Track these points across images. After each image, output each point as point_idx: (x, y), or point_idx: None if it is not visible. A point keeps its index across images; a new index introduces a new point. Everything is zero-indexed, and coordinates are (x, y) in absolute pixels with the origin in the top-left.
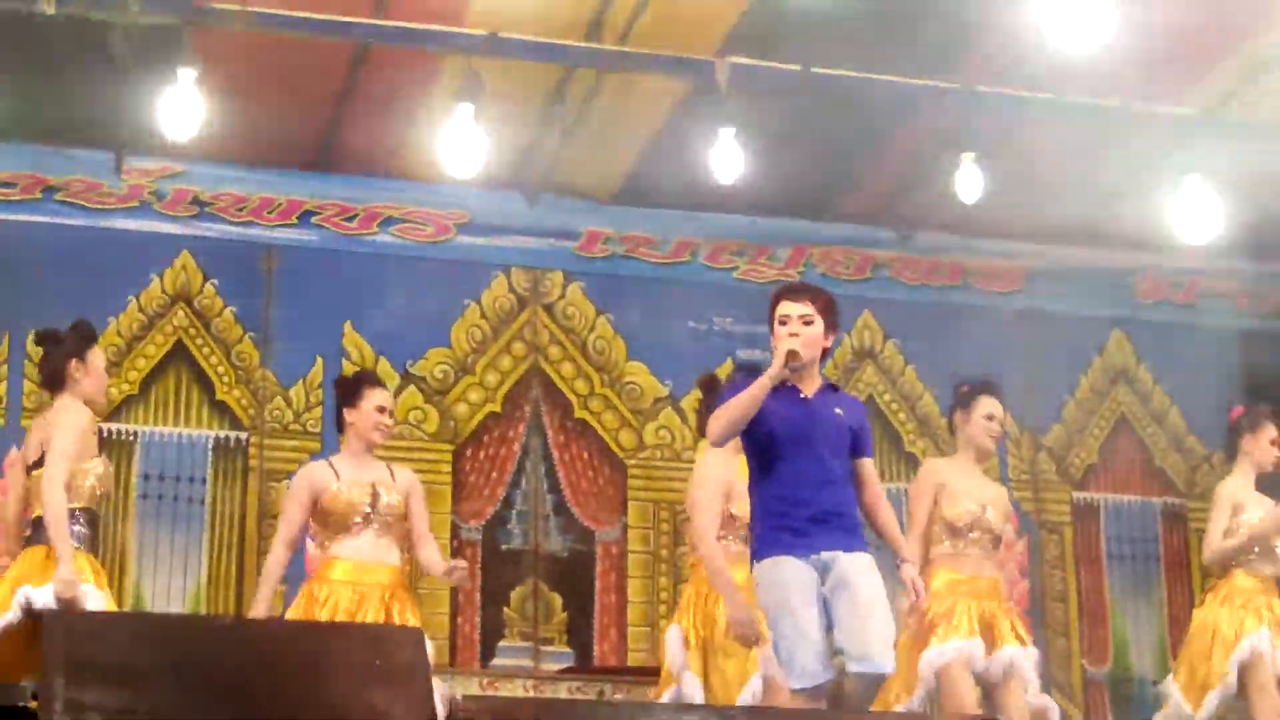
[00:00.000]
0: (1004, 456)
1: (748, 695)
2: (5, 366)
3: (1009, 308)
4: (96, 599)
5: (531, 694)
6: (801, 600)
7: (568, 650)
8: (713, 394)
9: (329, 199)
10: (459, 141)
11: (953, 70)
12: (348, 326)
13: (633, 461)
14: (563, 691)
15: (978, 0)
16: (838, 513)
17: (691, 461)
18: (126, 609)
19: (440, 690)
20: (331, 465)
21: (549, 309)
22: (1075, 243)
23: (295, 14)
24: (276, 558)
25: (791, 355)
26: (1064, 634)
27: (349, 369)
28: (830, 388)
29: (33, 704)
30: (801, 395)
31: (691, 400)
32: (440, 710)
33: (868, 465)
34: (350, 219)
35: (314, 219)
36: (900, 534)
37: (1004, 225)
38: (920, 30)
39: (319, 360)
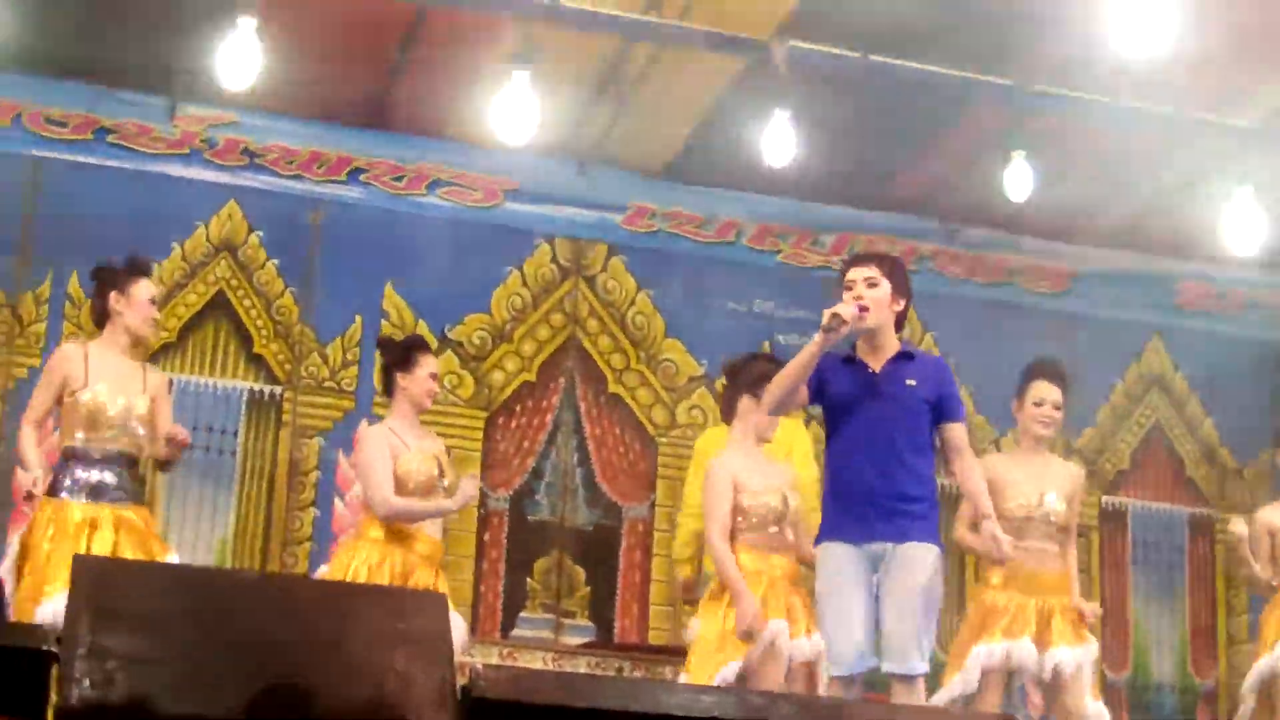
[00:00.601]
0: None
1: (719, 680)
2: (46, 306)
3: (1050, 309)
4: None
5: (551, 667)
6: (847, 589)
7: (589, 625)
8: (736, 379)
9: (379, 157)
10: (512, 107)
11: (1010, 67)
12: (389, 287)
13: (664, 439)
14: (582, 666)
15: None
16: (900, 498)
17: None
18: None
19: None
20: (395, 432)
21: (590, 281)
22: (1121, 246)
23: None
24: (394, 508)
25: (833, 317)
26: None
27: (388, 329)
28: (905, 356)
29: (55, 647)
30: (869, 369)
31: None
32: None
33: (954, 431)
34: (399, 179)
35: (363, 176)
36: (982, 495)
37: (1051, 226)
38: (980, 25)
39: (358, 319)
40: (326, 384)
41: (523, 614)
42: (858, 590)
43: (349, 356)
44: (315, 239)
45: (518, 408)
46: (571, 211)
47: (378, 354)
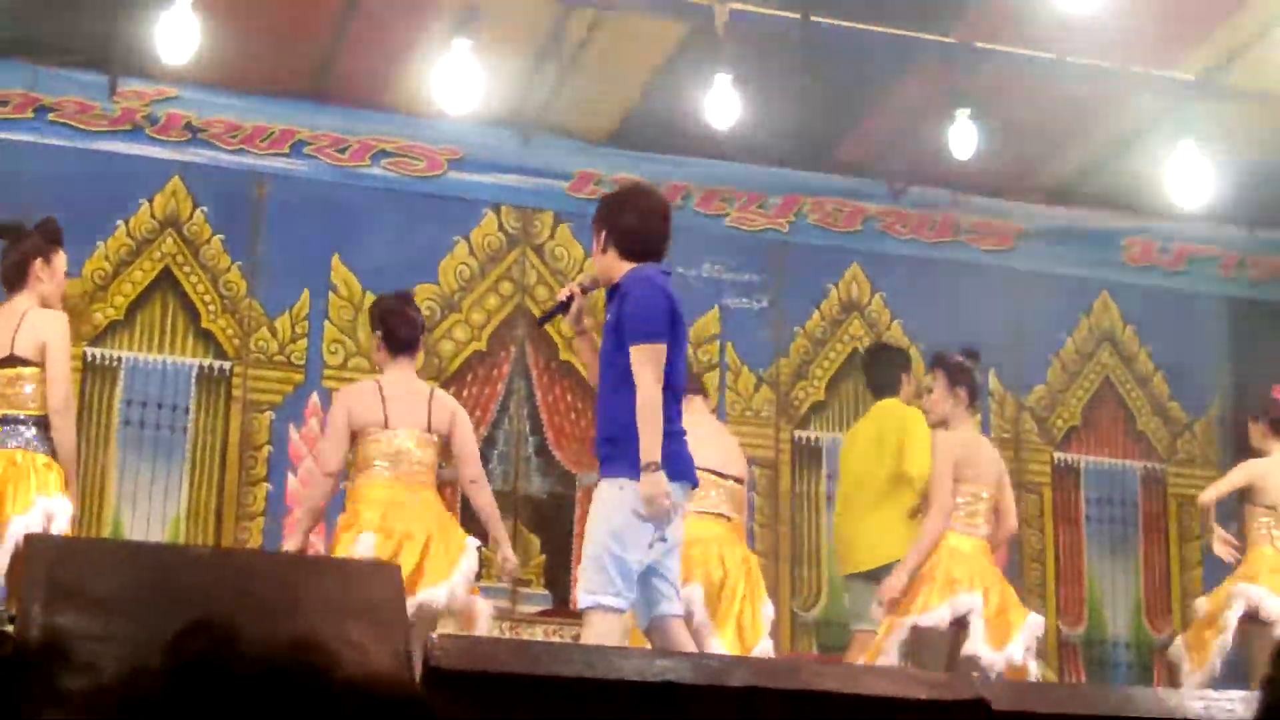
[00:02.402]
0: (986, 415)
1: None
2: None
3: (998, 266)
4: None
5: (508, 635)
6: None
7: (545, 593)
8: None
9: (322, 129)
10: (455, 77)
11: (952, 25)
12: (336, 259)
13: None
14: (539, 634)
15: None
16: (600, 442)
17: None
18: (105, 536)
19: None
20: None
21: (538, 249)
22: (1066, 203)
23: None
24: None
25: (551, 312)
26: (1040, 594)
27: (336, 302)
28: (613, 290)
29: (9, 627)
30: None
31: None
32: (415, 647)
33: (633, 356)
34: (343, 150)
35: (306, 149)
36: (646, 435)
37: (997, 183)
38: None
39: (306, 292)
40: (276, 358)
41: (479, 584)
42: None
43: (298, 330)
44: (260, 213)
45: (469, 377)
46: (517, 179)
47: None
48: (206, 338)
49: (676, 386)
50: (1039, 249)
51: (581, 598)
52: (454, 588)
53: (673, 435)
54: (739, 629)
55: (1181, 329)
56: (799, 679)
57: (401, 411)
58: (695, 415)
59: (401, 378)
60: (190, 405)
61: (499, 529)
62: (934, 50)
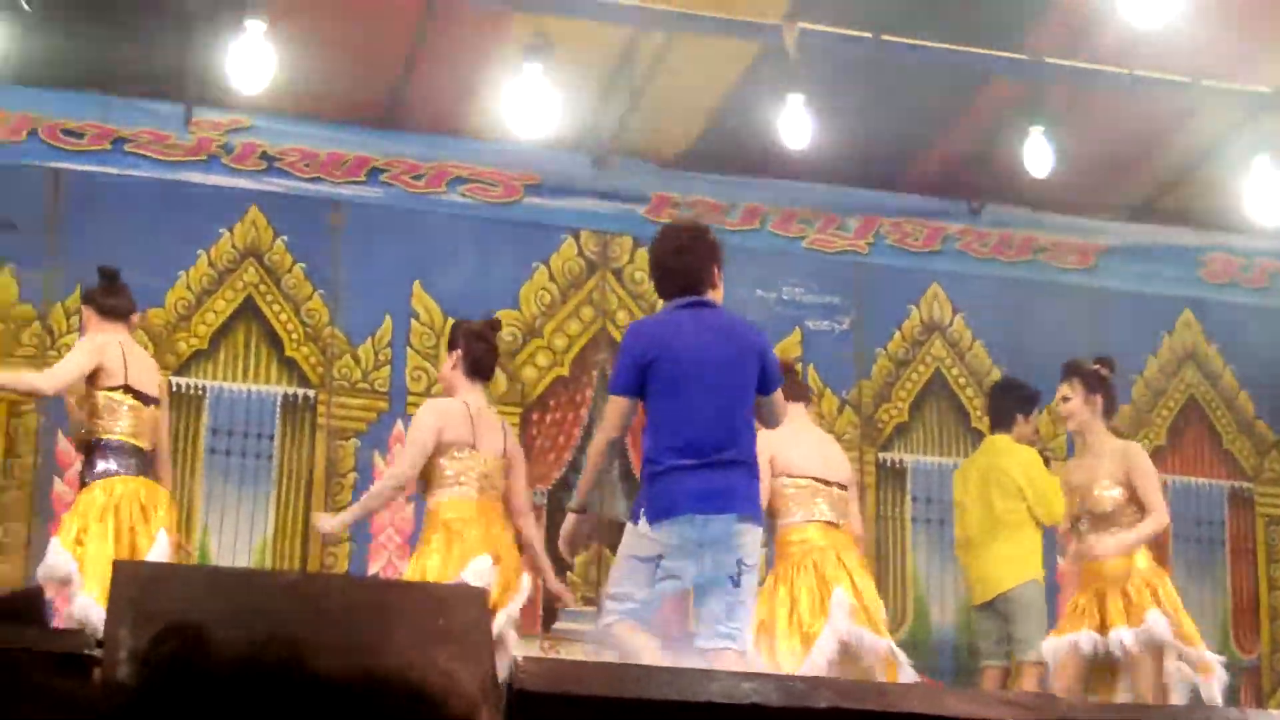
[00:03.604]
0: (1070, 436)
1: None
2: (76, 318)
3: (1078, 285)
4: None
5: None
6: None
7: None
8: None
9: (397, 156)
10: (527, 101)
11: (1023, 41)
12: (417, 286)
13: None
14: (576, 653)
15: None
16: None
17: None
18: (194, 562)
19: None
20: None
21: (617, 274)
22: (1146, 220)
23: None
24: None
25: None
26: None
27: (418, 329)
28: None
29: (97, 651)
30: None
31: None
32: (502, 671)
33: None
34: (418, 177)
35: (382, 176)
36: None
37: (1075, 200)
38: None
39: (388, 319)
40: (359, 385)
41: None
42: None
43: (380, 358)
44: (339, 240)
45: (551, 402)
46: (593, 204)
47: None
48: (290, 366)
49: (674, 425)
50: (1119, 267)
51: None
52: (511, 613)
53: (658, 475)
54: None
55: (1265, 346)
56: (883, 700)
57: (485, 434)
58: (796, 423)
59: (481, 401)
60: (275, 433)
61: (545, 560)
62: (1006, 67)
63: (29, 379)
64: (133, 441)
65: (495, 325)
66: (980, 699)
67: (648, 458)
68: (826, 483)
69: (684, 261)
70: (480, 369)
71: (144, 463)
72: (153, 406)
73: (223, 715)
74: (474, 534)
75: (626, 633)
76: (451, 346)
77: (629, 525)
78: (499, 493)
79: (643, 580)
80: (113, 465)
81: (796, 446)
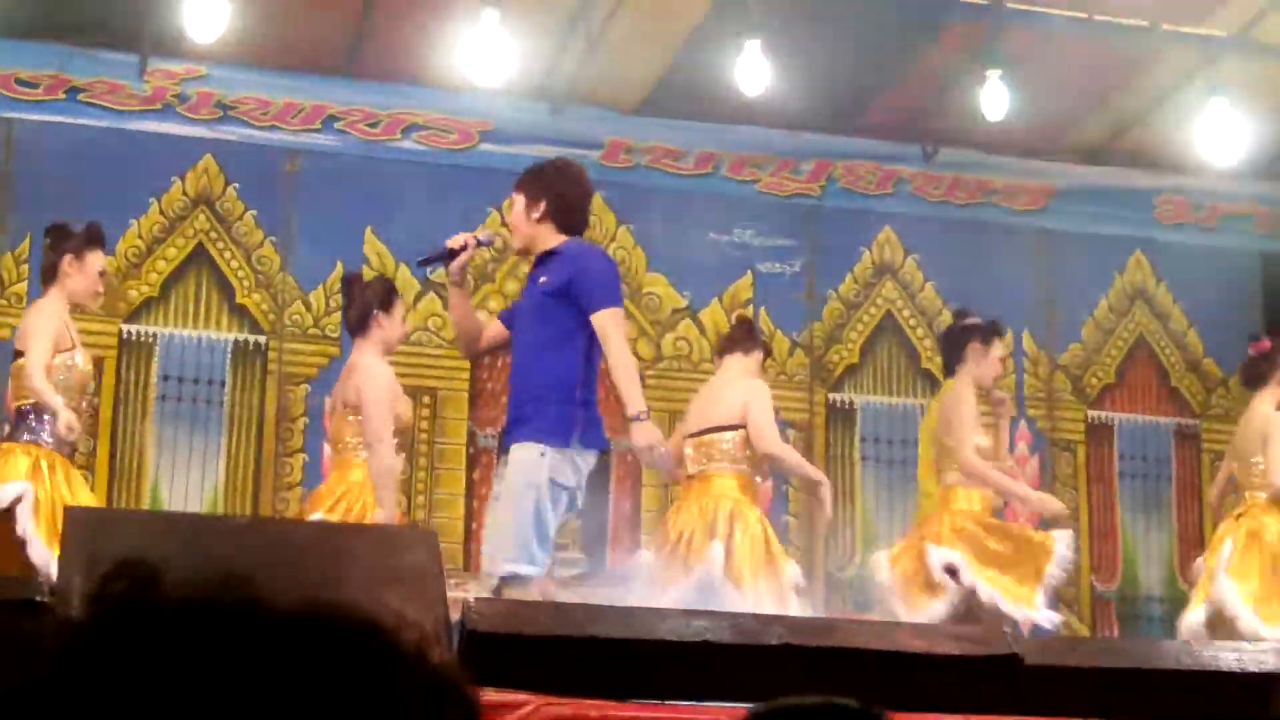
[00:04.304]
0: (1020, 374)
1: None
2: (26, 266)
3: (1031, 226)
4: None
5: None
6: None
7: (581, 556)
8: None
9: (353, 105)
10: (484, 49)
11: None
12: (369, 232)
13: (650, 372)
14: (575, 596)
15: None
16: (517, 401)
17: (709, 373)
18: (145, 508)
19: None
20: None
21: None
22: (1099, 163)
23: None
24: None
25: (431, 257)
26: (1074, 551)
27: (369, 274)
28: (547, 255)
29: (49, 599)
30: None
31: (712, 312)
32: (453, 612)
33: (593, 321)
34: (374, 125)
35: (337, 125)
36: (630, 389)
37: (1029, 144)
38: None
39: (339, 265)
40: (310, 331)
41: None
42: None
43: (332, 304)
44: (293, 188)
45: (503, 346)
46: (548, 150)
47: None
48: (241, 313)
49: (597, 359)
50: (1072, 209)
51: (500, 565)
52: None
53: (587, 403)
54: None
55: (1215, 286)
56: (834, 636)
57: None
58: (728, 373)
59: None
60: (226, 379)
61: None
62: (964, 11)
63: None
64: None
65: (368, 283)
66: (929, 633)
67: (580, 381)
68: (694, 434)
69: (590, 205)
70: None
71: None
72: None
73: (175, 652)
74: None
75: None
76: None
77: (542, 450)
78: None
79: (559, 509)
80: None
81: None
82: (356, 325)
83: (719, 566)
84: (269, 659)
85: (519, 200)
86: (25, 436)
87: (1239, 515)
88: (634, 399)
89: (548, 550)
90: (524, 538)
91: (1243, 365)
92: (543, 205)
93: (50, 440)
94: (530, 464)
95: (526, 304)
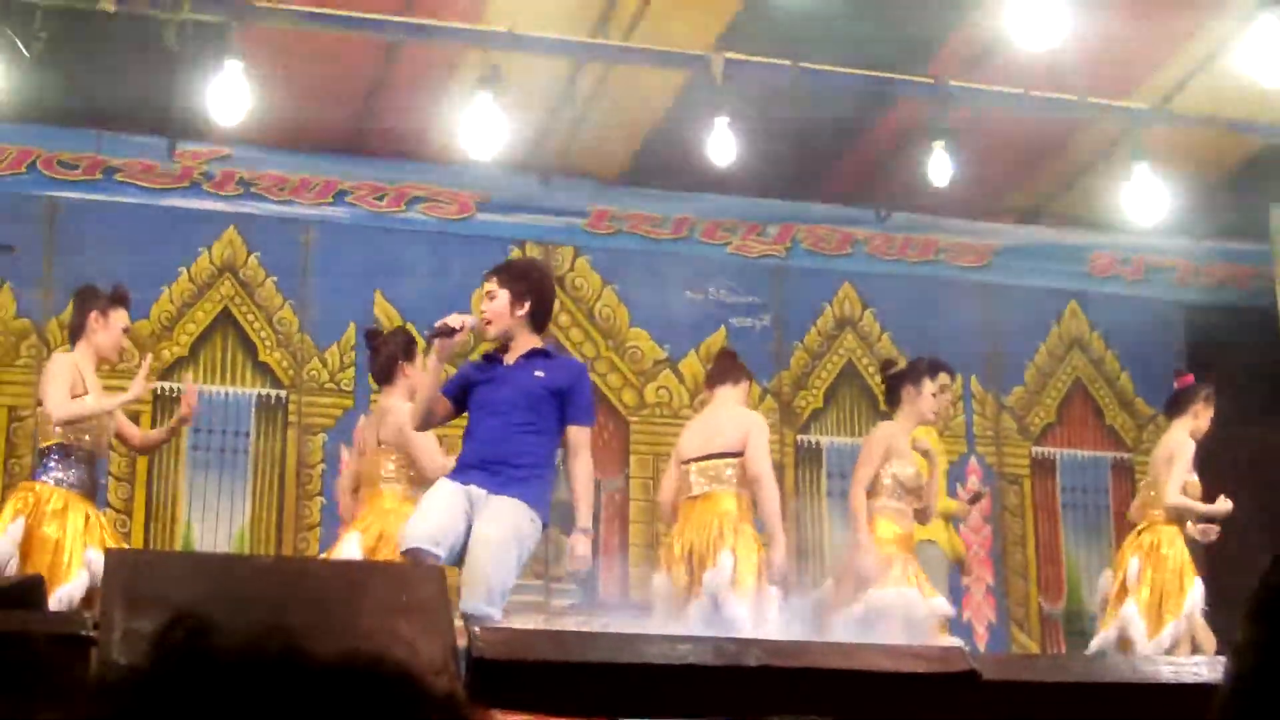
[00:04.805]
0: (969, 415)
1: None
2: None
3: (976, 281)
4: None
5: (543, 627)
6: (442, 494)
7: (575, 588)
8: (724, 362)
9: (361, 180)
10: (479, 127)
11: (928, 64)
12: (378, 295)
13: (635, 418)
14: (570, 624)
15: (951, 1)
16: (504, 461)
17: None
18: (178, 549)
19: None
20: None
21: (560, 280)
22: (1036, 222)
23: (331, 11)
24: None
25: (441, 326)
26: (1023, 575)
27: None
28: (538, 353)
29: (93, 633)
30: (502, 363)
31: (690, 363)
32: (460, 642)
33: (571, 433)
34: (380, 198)
35: (348, 198)
36: (585, 501)
37: (972, 206)
38: (898, 28)
39: (352, 325)
40: (327, 385)
41: (516, 581)
42: (452, 501)
43: (345, 360)
44: (309, 256)
45: None
46: (538, 218)
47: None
48: (264, 370)
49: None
50: (1012, 265)
51: (476, 606)
52: None
53: (550, 483)
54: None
55: (1143, 332)
56: (807, 658)
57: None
58: (705, 410)
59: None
60: (251, 430)
61: None
62: (912, 89)
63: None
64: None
65: (391, 335)
66: (894, 653)
67: (550, 464)
68: (697, 459)
69: None
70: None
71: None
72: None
73: (228, 698)
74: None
75: None
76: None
77: (534, 518)
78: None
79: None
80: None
81: (689, 433)
82: (383, 374)
83: (728, 574)
84: (313, 705)
85: (503, 295)
86: (42, 476)
87: (1140, 531)
88: (585, 514)
89: (505, 599)
90: (501, 585)
91: (1168, 398)
92: (527, 305)
93: (66, 480)
94: (524, 523)
95: (514, 390)
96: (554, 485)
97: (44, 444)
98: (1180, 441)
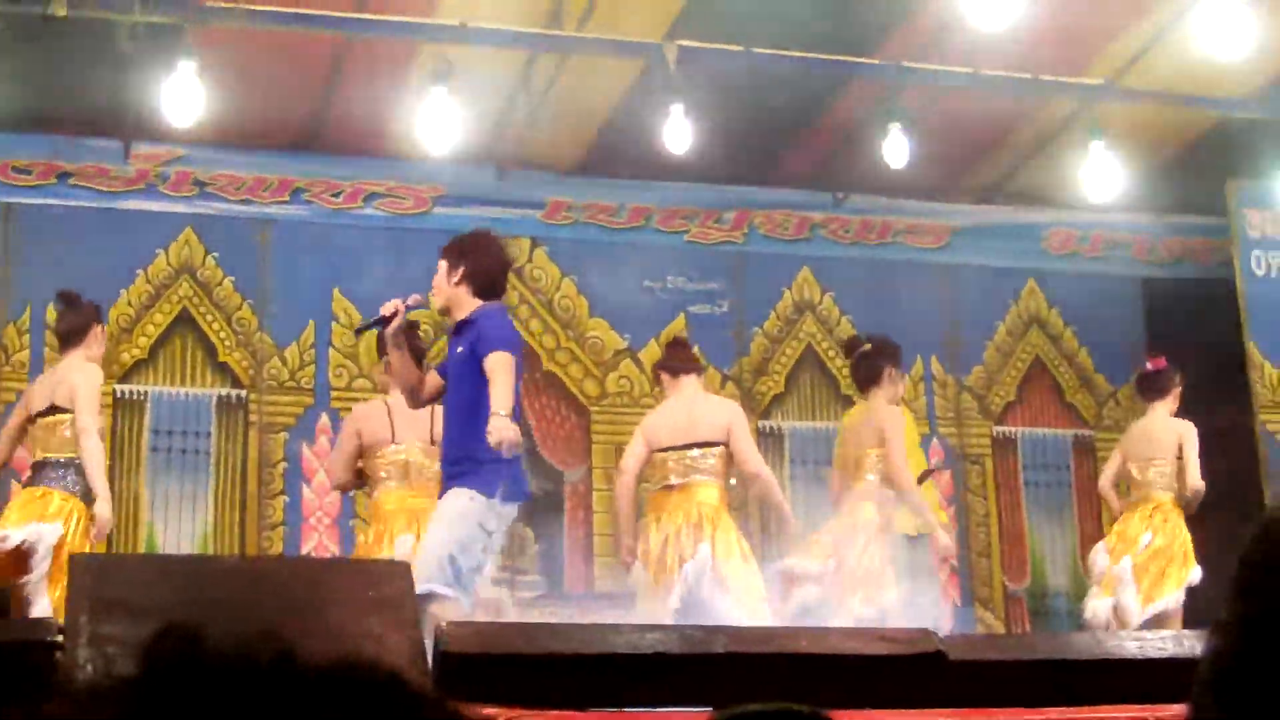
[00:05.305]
0: (930, 396)
1: None
2: (28, 335)
3: (934, 262)
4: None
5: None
6: None
7: (540, 579)
8: (683, 350)
9: (317, 177)
10: (434, 121)
11: (881, 47)
12: (336, 292)
13: (596, 408)
14: (537, 616)
15: None
16: (447, 462)
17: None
18: (142, 550)
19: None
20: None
21: (518, 272)
22: (992, 202)
23: (284, 9)
24: None
25: (371, 323)
26: (986, 555)
27: (339, 330)
28: (463, 324)
29: (59, 638)
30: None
31: (650, 352)
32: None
33: (486, 363)
34: (337, 195)
35: (304, 196)
36: (499, 396)
37: (928, 187)
38: (851, 11)
39: (311, 323)
40: (287, 384)
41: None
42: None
43: (305, 358)
44: (266, 255)
45: None
46: (496, 211)
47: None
48: (223, 370)
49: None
50: (969, 244)
51: (419, 585)
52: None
53: (511, 461)
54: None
55: (1101, 308)
56: (774, 643)
57: (405, 426)
58: (671, 399)
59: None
60: (212, 431)
61: None
62: (865, 71)
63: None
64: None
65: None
66: (861, 636)
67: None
68: (674, 448)
69: (507, 277)
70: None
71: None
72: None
73: (222, 705)
74: (400, 519)
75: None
76: (380, 351)
77: (472, 495)
78: (427, 477)
79: (479, 549)
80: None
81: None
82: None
83: (708, 565)
84: (309, 712)
85: (441, 265)
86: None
87: (1150, 513)
88: (500, 399)
89: (474, 581)
90: (443, 562)
91: (1140, 378)
92: (460, 271)
93: (74, 488)
94: (460, 506)
95: (450, 368)
96: (513, 465)
97: (67, 455)
98: (1188, 427)
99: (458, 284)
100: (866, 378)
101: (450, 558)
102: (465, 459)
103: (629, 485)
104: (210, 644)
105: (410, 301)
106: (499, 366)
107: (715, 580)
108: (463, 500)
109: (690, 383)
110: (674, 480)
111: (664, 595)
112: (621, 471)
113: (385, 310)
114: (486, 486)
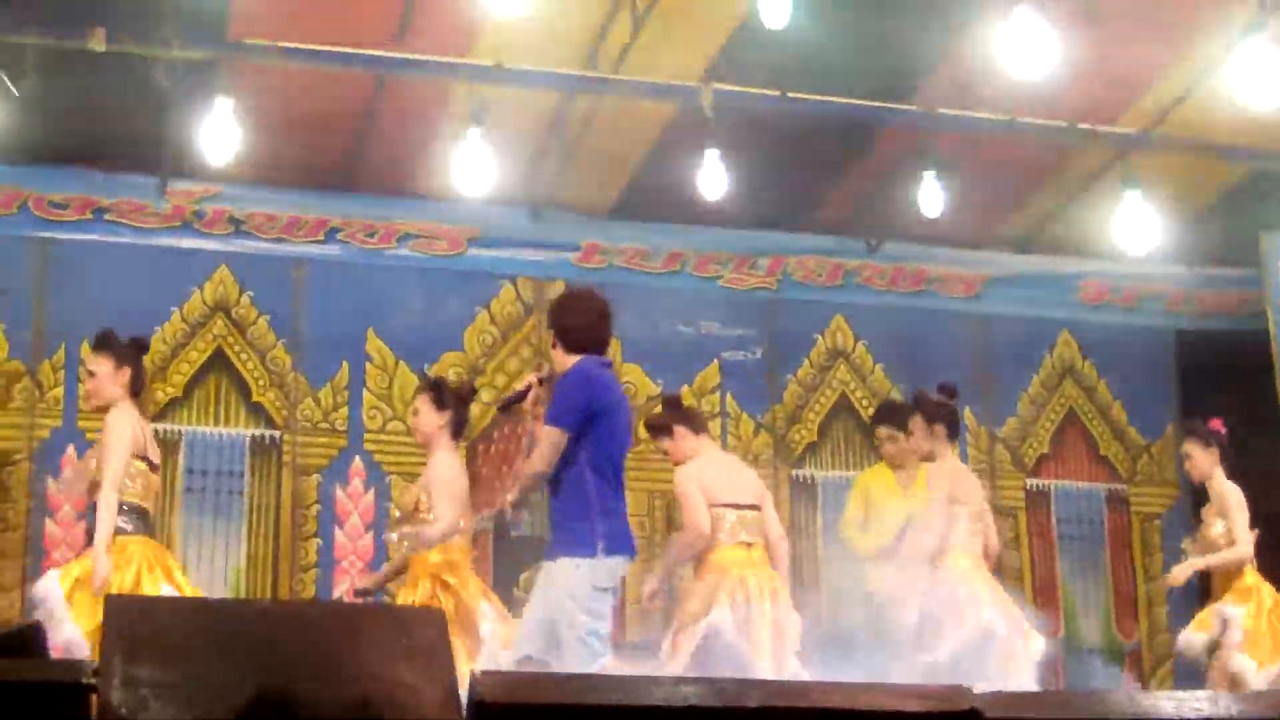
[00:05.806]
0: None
1: None
2: (63, 372)
3: (967, 311)
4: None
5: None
6: None
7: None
8: (677, 406)
9: (352, 217)
10: (469, 162)
11: (917, 93)
12: (370, 333)
13: (629, 455)
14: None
15: (939, 29)
16: (551, 526)
17: None
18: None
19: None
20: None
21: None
22: (1026, 251)
23: (320, 47)
24: None
25: (508, 401)
26: (1019, 608)
27: (373, 372)
28: (548, 381)
29: (93, 679)
30: None
31: (684, 398)
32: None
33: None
34: (371, 235)
35: (339, 235)
36: (515, 484)
37: (962, 236)
38: (886, 57)
39: (345, 364)
40: (320, 425)
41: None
42: None
43: (339, 399)
44: (300, 294)
45: (495, 435)
46: (529, 253)
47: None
48: (257, 410)
49: (612, 467)
50: (1003, 294)
51: (520, 650)
52: None
53: (608, 513)
54: (772, 645)
55: (1135, 360)
56: (808, 698)
57: None
58: (709, 453)
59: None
60: (245, 471)
61: None
62: (900, 118)
63: (110, 497)
64: (141, 503)
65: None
66: (895, 692)
67: (599, 493)
68: (738, 506)
69: (606, 326)
70: (460, 430)
71: (148, 522)
72: (156, 473)
73: None
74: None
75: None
76: (441, 405)
77: (578, 559)
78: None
79: (606, 610)
80: (125, 525)
81: (707, 476)
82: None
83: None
84: None
85: (548, 336)
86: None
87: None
88: (511, 491)
89: (607, 646)
90: (591, 645)
91: (1213, 441)
92: (553, 335)
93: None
94: (566, 575)
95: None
96: (600, 507)
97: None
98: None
99: (554, 346)
100: (953, 429)
101: (590, 635)
102: (560, 521)
103: (700, 548)
104: (302, 710)
105: (543, 373)
106: (544, 442)
107: (778, 632)
108: (570, 570)
109: (711, 443)
110: (743, 537)
111: (740, 645)
112: (702, 534)
113: (521, 385)
114: (585, 546)
